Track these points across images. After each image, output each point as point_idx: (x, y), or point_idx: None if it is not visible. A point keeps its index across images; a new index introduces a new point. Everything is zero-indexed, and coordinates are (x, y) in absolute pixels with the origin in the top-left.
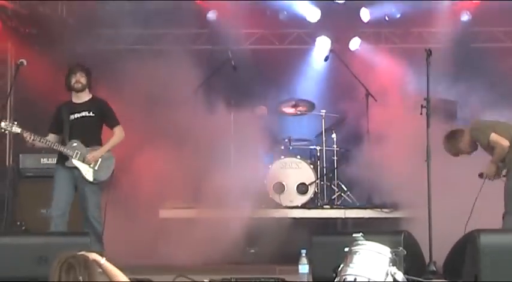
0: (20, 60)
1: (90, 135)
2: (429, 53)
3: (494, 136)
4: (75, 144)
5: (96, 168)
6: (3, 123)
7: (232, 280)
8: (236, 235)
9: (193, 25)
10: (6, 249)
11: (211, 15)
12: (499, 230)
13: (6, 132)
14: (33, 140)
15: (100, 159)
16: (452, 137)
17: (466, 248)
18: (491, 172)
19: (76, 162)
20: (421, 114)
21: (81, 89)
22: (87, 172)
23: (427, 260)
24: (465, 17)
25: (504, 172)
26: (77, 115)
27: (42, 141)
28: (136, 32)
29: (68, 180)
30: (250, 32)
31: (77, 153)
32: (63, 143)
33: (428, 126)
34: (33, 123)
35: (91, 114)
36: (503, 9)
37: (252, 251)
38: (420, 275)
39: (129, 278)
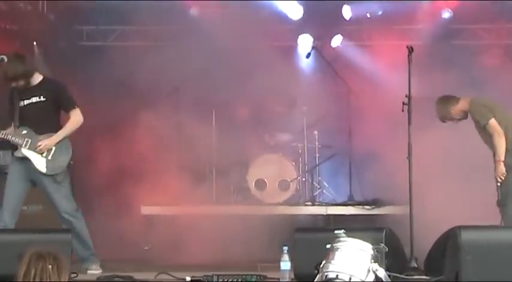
0: (0, 56)
1: (43, 122)
2: (411, 50)
3: (493, 123)
4: (24, 131)
5: (49, 158)
6: None
7: (214, 277)
8: (217, 232)
9: (175, 21)
10: None
11: (194, 11)
12: (480, 226)
13: None
14: None
15: (54, 148)
16: (445, 101)
17: (447, 245)
18: (501, 171)
19: (26, 151)
20: (402, 111)
21: (26, 85)
22: (39, 162)
23: (408, 257)
24: (446, 14)
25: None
26: (26, 101)
27: None
28: (117, 29)
29: (19, 174)
30: (232, 29)
31: (27, 141)
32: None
33: (409, 123)
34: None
35: (42, 99)
36: (483, 7)
37: (233, 247)
38: (402, 271)
39: (112, 275)
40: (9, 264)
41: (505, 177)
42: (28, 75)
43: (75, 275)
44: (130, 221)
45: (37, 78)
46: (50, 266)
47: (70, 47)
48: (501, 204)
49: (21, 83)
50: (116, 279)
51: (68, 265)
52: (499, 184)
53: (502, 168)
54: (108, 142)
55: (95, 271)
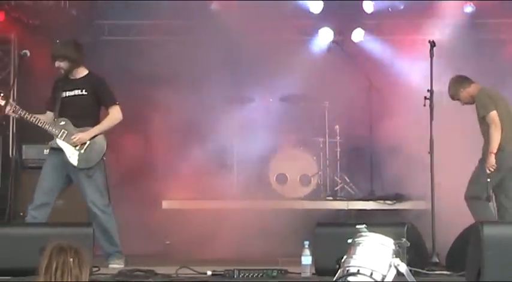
0: (23, 51)
1: (82, 115)
2: (433, 44)
3: (493, 114)
4: (62, 122)
5: (82, 151)
6: None
7: (235, 272)
8: (238, 226)
9: (196, 16)
10: (8, 239)
11: (215, 6)
12: (503, 221)
13: None
14: (16, 113)
15: (88, 142)
16: (459, 81)
17: (469, 240)
18: (492, 162)
19: (60, 142)
20: (424, 106)
21: (66, 73)
22: (72, 155)
23: (430, 252)
24: (469, 9)
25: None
26: (69, 93)
27: (27, 117)
28: (138, 23)
29: (53, 167)
30: (252, 24)
31: (63, 132)
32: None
33: (431, 118)
34: (43, 111)
35: (83, 92)
36: (506, 1)
37: (254, 242)
38: (423, 266)
39: (133, 269)
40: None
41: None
42: (74, 62)
43: (96, 268)
44: (152, 215)
45: (82, 71)
46: (71, 260)
47: (92, 42)
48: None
49: (65, 66)
50: (137, 273)
51: (89, 259)
52: (488, 180)
53: (492, 159)
54: (129, 136)
55: (117, 265)
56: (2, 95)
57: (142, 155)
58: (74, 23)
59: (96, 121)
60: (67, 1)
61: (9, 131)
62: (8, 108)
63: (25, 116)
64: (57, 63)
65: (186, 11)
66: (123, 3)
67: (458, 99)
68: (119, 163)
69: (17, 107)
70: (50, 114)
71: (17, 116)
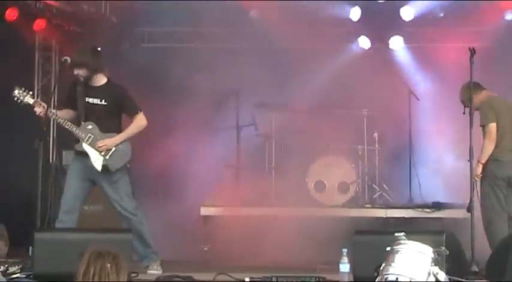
0: (64, 57)
1: (104, 124)
2: (473, 52)
3: (491, 127)
4: (89, 126)
5: (107, 157)
6: (16, 91)
7: (273, 279)
8: (276, 233)
9: (235, 23)
10: (48, 245)
11: (254, 13)
12: None
13: (19, 101)
14: (44, 114)
15: (114, 148)
16: (469, 88)
17: (509, 248)
18: (478, 172)
19: (86, 146)
20: (463, 113)
21: (85, 81)
22: (97, 160)
23: (469, 260)
24: (510, 16)
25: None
26: (91, 100)
27: (55, 118)
28: (178, 30)
29: (78, 172)
30: (291, 31)
31: (89, 137)
32: (78, 124)
33: (471, 125)
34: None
35: (103, 102)
36: None
37: (292, 249)
38: (462, 275)
39: (171, 275)
40: (70, 263)
41: (486, 183)
42: (93, 69)
43: (135, 274)
44: (190, 221)
45: (101, 79)
46: (109, 265)
47: (132, 49)
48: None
49: (84, 74)
50: (176, 279)
51: (127, 264)
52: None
53: (479, 169)
54: (169, 143)
55: (155, 271)
56: (31, 93)
57: (181, 161)
58: (114, 30)
59: (117, 129)
60: (107, 8)
61: (49, 137)
62: (39, 108)
63: (54, 117)
64: (75, 71)
65: (226, 18)
66: (163, 11)
67: (468, 106)
68: (157, 170)
69: (46, 107)
70: (67, 111)
71: (46, 116)
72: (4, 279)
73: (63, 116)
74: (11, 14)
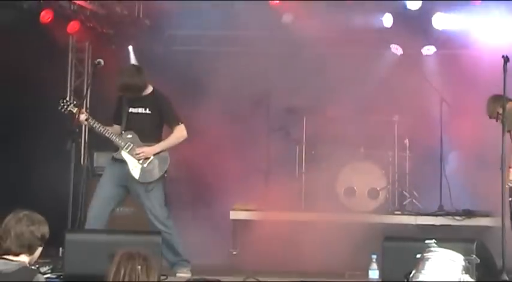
0: (97, 60)
1: (145, 132)
2: (506, 59)
3: None
4: (129, 135)
5: (145, 165)
6: (61, 100)
7: None
8: (305, 238)
9: (267, 27)
10: (79, 246)
11: (287, 17)
12: None
13: (63, 109)
14: (88, 121)
15: (152, 157)
16: (496, 99)
17: None
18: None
19: (125, 154)
20: (496, 121)
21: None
22: (135, 168)
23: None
24: None
25: None
26: (133, 110)
27: (96, 127)
28: (209, 34)
29: (112, 177)
30: (323, 37)
31: (129, 145)
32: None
33: (503, 133)
34: (110, 124)
35: (147, 111)
36: None
37: (321, 254)
38: None
39: (200, 279)
40: (100, 264)
41: None
42: (141, 90)
43: (164, 277)
44: (219, 225)
45: (147, 89)
46: (139, 267)
47: (164, 52)
48: None
49: (132, 94)
50: None
51: (157, 266)
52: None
53: (511, 174)
54: (199, 147)
55: (184, 274)
56: (75, 103)
57: (211, 165)
58: (147, 33)
59: (158, 138)
60: (140, 11)
61: (81, 139)
62: (82, 116)
63: (94, 125)
64: (122, 93)
65: (258, 23)
66: (195, 14)
67: (495, 118)
68: (187, 173)
69: (89, 116)
70: (116, 128)
71: (88, 124)
72: (43, 279)
73: (110, 129)
74: (46, 16)
